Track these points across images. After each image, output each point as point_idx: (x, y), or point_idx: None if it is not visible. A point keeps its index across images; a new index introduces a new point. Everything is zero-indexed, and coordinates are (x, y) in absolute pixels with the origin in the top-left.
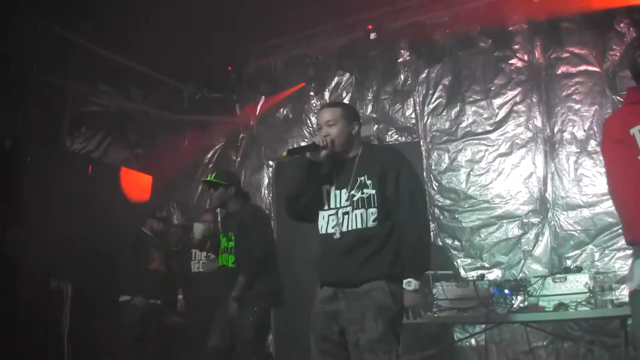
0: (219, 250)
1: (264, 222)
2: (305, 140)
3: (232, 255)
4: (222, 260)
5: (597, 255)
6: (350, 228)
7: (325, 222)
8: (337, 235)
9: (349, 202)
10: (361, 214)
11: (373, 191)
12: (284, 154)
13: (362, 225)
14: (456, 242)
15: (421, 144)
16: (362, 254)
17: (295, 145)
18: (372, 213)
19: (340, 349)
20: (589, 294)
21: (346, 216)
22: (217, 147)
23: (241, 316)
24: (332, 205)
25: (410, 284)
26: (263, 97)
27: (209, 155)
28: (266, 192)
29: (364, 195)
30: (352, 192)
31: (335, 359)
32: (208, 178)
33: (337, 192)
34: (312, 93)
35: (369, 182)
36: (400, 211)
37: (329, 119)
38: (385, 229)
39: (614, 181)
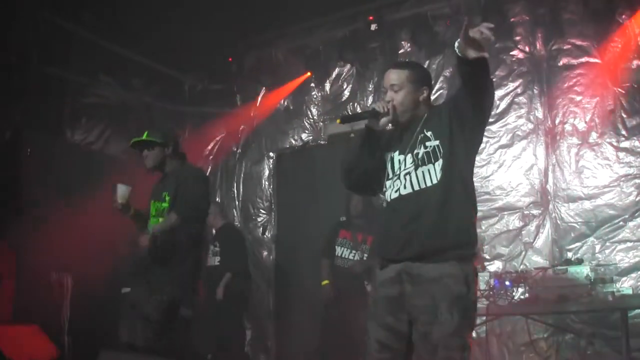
0: (144, 218)
1: (205, 184)
2: (306, 131)
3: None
4: (151, 226)
5: (598, 247)
6: (412, 189)
7: (390, 190)
8: (397, 201)
9: (412, 162)
10: (428, 170)
11: (437, 142)
12: (338, 121)
13: (425, 185)
14: None
15: None
16: (426, 218)
17: (298, 137)
18: (438, 165)
19: (402, 341)
20: (589, 286)
21: (407, 177)
22: (217, 138)
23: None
24: (396, 171)
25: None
26: (264, 88)
27: (209, 147)
28: (267, 183)
29: (427, 149)
30: (416, 150)
31: (394, 352)
32: (140, 138)
33: (401, 157)
34: (312, 84)
35: (429, 133)
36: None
37: (394, 83)
38: (455, 184)
39: None
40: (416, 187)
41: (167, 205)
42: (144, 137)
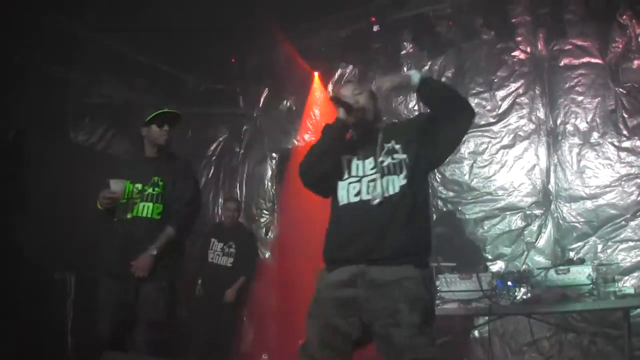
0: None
1: (194, 175)
2: (309, 132)
3: (159, 205)
4: (137, 211)
5: (600, 247)
6: (375, 196)
7: (346, 192)
8: (356, 205)
9: (376, 169)
10: (392, 181)
11: (404, 156)
12: (330, 94)
13: (389, 193)
14: None
15: None
16: (388, 222)
17: (300, 137)
18: (403, 178)
19: (348, 342)
20: (591, 285)
21: (372, 184)
22: (220, 139)
23: (146, 292)
24: (354, 174)
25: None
26: (266, 88)
27: (212, 147)
28: (269, 184)
29: (394, 161)
30: (381, 158)
31: (336, 351)
32: (172, 110)
33: (360, 162)
34: (315, 85)
35: (397, 146)
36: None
37: (355, 88)
38: (416, 195)
39: None
40: (379, 194)
41: (160, 190)
42: (172, 109)
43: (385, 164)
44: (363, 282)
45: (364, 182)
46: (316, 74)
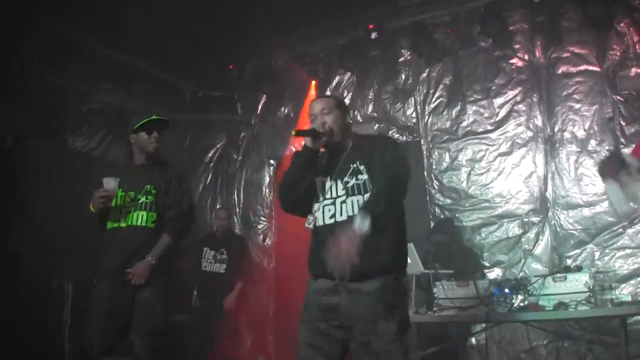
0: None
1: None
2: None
3: (153, 213)
4: (132, 220)
5: (597, 254)
6: (347, 216)
7: (321, 214)
8: (332, 226)
9: (344, 190)
10: (357, 201)
11: (366, 176)
12: (293, 132)
13: (355, 212)
14: None
15: (422, 143)
16: (362, 241)
17: (297, 144)
18: (367, 198)
19: (335, 345)
20: (589, 293)
21: (344, 205)
22: (218, 145)
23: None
24: (329, 196)
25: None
26: (264, 95)
27: (210, 154)
28: (267, 190)
29: (358, 182)
30: (346, 179)
31: (326, 355)
32: (162, 117)
33: (333, 182)
34: (313, 92)
35: (361, 167)
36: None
37: (324, 107)
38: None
39: None
40: (350, 215)
41: (152, 198)
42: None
43: (350, 184)
44: (345, 290)
45: (337, 204)
46: (313, 82)
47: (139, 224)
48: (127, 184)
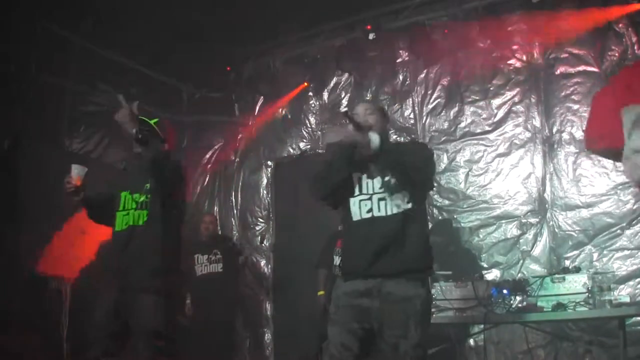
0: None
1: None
2: (304, 140)
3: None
4: (132, 219)
5: (595, 255)
6: (386, 213)
7: (358, 208)
8: (369, 221)
9: (383, 188)
10: (396, 198)
11: (399, 175)
12: (343, 111)
13: (398, 210)
14: None
15: None
16: (400, 238)
17: (296, 145)
18: (407, 195)
19: (364, 345)
20: (587, 294)
21: (382, 202)
22: (215, 147)
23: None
24: (365, 192)
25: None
26: (262, 97)
27: (207, 156)
28: (265, 192)
29: (392, 181)
30: (387, 178)
31: (356, 357)
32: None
33: (370, 180)
34: (310, 93)
35: (395, 166)
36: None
37: (367, 108)
38: (420, 213)
39: None
40: (389, 212)
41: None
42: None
43: (391, 183)
44: (379, 294)
45: (374, 200)
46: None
47: (140, 223)
48: (132, 186)
